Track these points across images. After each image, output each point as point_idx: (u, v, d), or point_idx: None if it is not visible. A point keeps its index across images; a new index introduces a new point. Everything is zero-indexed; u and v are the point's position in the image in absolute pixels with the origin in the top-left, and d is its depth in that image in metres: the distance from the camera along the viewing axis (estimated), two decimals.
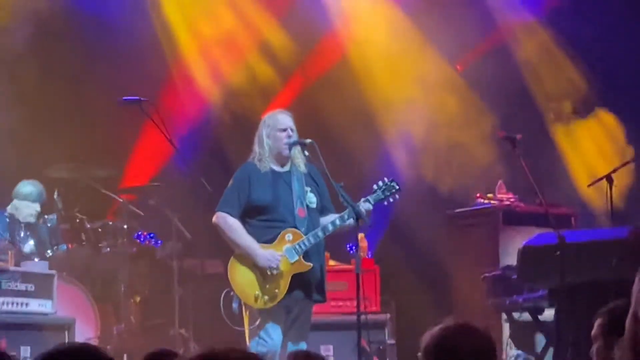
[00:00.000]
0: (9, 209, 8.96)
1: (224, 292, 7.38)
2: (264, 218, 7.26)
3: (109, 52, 10.45)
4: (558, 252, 7.64)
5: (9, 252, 8.54)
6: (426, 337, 3.50)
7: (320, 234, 7.22)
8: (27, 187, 9.21)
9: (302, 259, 7.19)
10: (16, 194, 9.16)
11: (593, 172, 9.99)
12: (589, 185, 9.02)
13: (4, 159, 10.08)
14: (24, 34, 10.21)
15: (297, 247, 7.18)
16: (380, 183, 7.42)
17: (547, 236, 8.07)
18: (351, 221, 7.17)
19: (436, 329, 3.50)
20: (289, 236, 7.22)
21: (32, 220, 9.14)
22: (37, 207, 9.19)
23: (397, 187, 7.44)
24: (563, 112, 11.02)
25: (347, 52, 11.36)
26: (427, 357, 3.47)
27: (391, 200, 7.45)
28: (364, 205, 7.23)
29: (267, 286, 7.17)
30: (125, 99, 8.94)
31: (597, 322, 4.36)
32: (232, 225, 7.23)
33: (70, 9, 10.52)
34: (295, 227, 7.22)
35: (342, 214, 7.23)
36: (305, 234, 7.20)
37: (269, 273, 7.14)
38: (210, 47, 11.10)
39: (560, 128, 11.03)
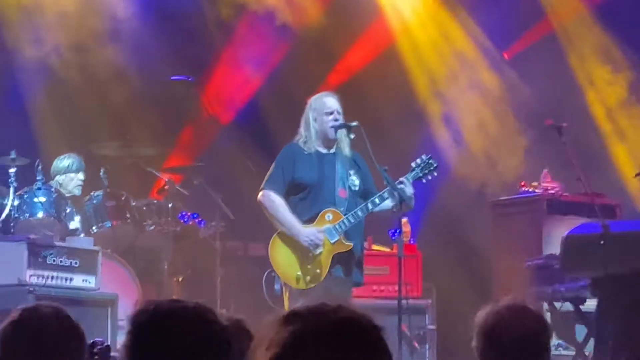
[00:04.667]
0: (53, 185, 9.00)
1: (266, 273, 7.39)
2: (305, 197, 7.28)
3: (158, 31, 10.47)
4: (602, 242, 7.59)
5: (55, 228, 8.61)
6: (481, 316, 3.34)
7: (359, 213, 7.21)
8: (65, 160, 9.23)
9: (342, 239, 7.20)
10: (55, 170, 9.18)
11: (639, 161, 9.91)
12: (636, 176, 8.93)
13: (50, 137, 10.16)
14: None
15: (337, 226, 7.19)
16: (419, 160, 7.39)
17: (591, 226, 8.00)
18: (390, 203, 7.15)
19: (491, 308, 3.33)
20: (329, 216, 7.22)
21: (78, 192, 9.19)
22: (80, 176, 9.21)
23: (435, 165, 7.40)
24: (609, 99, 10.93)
25: (394, 39, 11.32)
26: (480, 336, 3.32)
27: (429, 177, 7.41)
28: (408, 189, 7.19)
29: (309, 267, 7.19)
30: (174, 78, 9.01)
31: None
32: (275, 202, 7.25)
33: None
34: (335, 207, 7.24)
35: (382, 192, 7.21)
36: (345, 215, 7.22)
37: (310, 254, 7.16)
38: (257, 30, 11.10)
39: (605, 116, 10.94)
